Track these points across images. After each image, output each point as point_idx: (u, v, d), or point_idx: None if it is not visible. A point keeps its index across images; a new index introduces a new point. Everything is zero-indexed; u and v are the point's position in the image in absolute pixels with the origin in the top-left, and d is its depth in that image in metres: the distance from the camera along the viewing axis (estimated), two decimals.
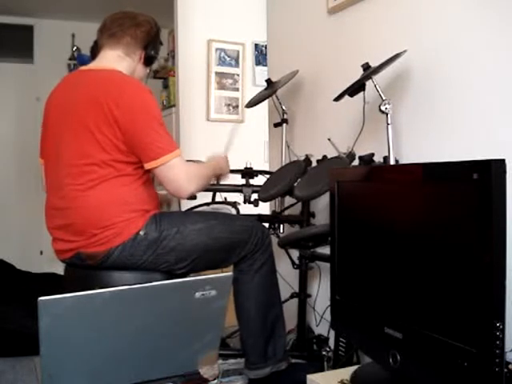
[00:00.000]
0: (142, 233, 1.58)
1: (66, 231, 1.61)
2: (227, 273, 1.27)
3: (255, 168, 2.44)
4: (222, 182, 2.01)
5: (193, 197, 2.35)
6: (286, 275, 2.33)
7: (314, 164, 2.23)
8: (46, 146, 1.72)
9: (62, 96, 1.68)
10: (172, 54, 4.27)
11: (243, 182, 2.40)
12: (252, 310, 1.77)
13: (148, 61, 1.82)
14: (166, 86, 4.15)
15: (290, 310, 2.25)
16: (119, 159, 1.57)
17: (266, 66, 3.22)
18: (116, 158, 1.57)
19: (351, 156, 1.94)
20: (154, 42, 1.80)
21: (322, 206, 2.32)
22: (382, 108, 1.73)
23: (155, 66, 5.08)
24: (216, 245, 1.69)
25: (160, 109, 1.67)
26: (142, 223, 1.59)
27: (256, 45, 3.44)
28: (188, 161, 1.72)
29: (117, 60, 1.72)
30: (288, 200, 2.37)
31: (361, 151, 1.94)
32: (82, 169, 1.57)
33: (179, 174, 1.59)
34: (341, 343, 1.94)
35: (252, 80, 3.45)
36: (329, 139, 2.04)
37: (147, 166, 1.58)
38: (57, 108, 1.68)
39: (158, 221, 1.63)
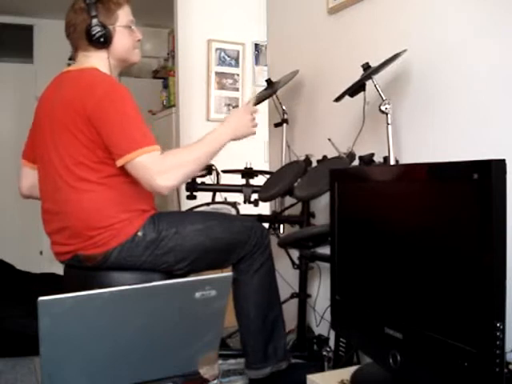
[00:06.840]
0: (140, 233, 1.57)
1: (63, 234, 1.59)
2: (227, 273, 1.27)
3: (255, 168, 2.44)
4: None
5: (192, 197, 2.36)
6: (286, 275, 2.33)
7: (314, 164, 2.23)
8: (38, 150, 1.68)
9: (50, 98, 1.65)
10: (172, 54, 4.27)
11: (243, 182, 2.40)
12: (251, 310, 1.77)
13: (96, 41, 1.61)
14: (165, 86, 4.15)
15: (290, 310, 2.24)
16: (107, 158, 1.53)
17: (266, 65, 3.22)
18: (103, 157, 1.53)
19: (351, 156, 1.94)
20: (89, 20, 1.60)
21: (322, 206, 2.32)
22: (382, 108, 1.73)
23: (155, 65, 5.11)
24: (215, 245, 1.68)
25: (135, 106, 1.54)
26: (140, 224, 1.58)
27: (256, 45, 3.43)
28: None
29: (86, 60, 1.65)
30: (288, 200, 2.37)
31: (361, 151, 1.94)
32: (72, 171, 1.54)
33: (148, 171, 1.47)
34: (341, 343, 1.94)
35: (252, 80, 3.44)
36: (329, 139, 2.04)
37: (116, 164, 1.50)
38: (44, 111, 1.66)
39: (157, 221, 1.61)
